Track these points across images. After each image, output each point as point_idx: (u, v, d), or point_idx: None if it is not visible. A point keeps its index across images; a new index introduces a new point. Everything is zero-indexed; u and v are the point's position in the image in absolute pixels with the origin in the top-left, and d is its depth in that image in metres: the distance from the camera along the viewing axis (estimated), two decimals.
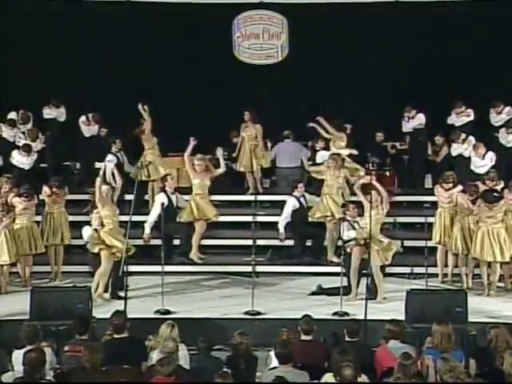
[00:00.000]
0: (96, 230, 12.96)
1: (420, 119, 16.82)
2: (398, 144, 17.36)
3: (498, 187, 13.68)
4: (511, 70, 17.59)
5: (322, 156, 15.87)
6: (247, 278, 13.45)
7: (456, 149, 15.80)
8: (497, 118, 16.59)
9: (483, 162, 15.07)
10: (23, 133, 16.16)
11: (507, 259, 13.04)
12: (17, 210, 13.40)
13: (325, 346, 9.83)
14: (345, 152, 15.49)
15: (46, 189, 13.82)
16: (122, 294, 12.56)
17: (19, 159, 15.28)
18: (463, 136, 15.81)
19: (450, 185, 13.69)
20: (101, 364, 8.25)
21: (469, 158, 15.46)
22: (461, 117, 16.64)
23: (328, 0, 18.50)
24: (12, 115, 16.67)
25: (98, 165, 17.22)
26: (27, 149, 15.38)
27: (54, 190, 13.79)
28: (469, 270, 13.45)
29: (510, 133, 16.11)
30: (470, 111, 16.63)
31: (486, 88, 17.06)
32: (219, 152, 15.14)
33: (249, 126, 16.34)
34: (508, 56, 17.83)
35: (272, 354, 9.00)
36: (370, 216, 12.48)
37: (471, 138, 15.69)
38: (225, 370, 8.54)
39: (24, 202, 13.43)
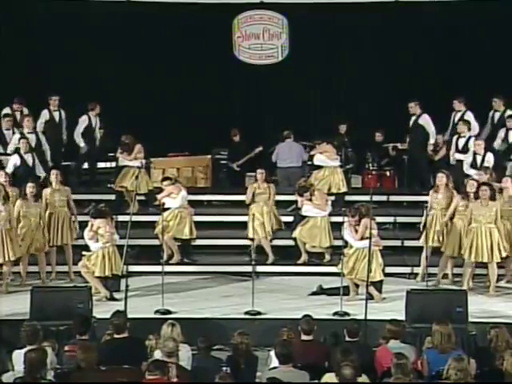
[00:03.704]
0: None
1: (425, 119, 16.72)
2: (399, 144, 17.35)
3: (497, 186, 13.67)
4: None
5: (319, 159, 15.89)
6: (247, 278, 13.47)
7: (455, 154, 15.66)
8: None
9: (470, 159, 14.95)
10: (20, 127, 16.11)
11: (499, 259, 13.02)
12: (21, 212, 13.39)
13: (325, 346, 9.83)
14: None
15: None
16: (117, 296, 12.63)
17: (14, 159, 15.08)
18: (468, 133, 15.62)
19: (444, 180, 13.64)
20: (97, 363, 8.25)
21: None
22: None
23: (328, 0, 18.51)
24: (6, 110, 16.53)
25: (98, 165, 17.32)
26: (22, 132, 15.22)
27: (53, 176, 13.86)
28: (468, 271, 13.44)
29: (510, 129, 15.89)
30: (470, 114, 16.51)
31: (486, 87, 17.02)
32: None
33: (261, 187, 14.71)
34: (509, 55, 17.82)
35: (272, 353, 9.00)
36: (371, 222, 12.51)
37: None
38: (225, 369, 8.55)
39: (27, 202, 13.43)
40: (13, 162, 14.91)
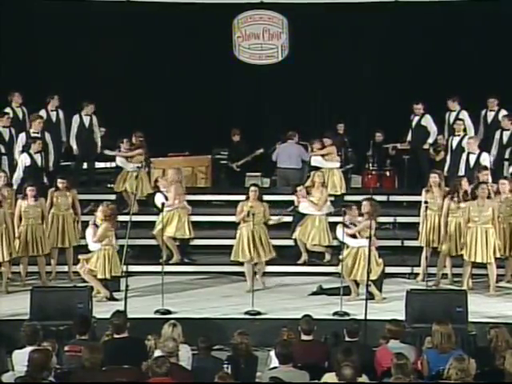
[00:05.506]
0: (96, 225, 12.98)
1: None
2: (398, 145, 17.36)
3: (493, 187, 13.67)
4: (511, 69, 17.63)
5: (316, 161, 15.87)
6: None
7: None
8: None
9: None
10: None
11: (492, 259, 13.02)
12: (22, 213, 13.36)
13: (325, 346, 9.84)
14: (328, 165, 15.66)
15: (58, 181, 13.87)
16: (117, 296, 12.63)
17: (24, 158, 15.03)
18: (463, 133, 15.62)
19: (437, 179, 13.63)
20: (101, 364, 8.25)
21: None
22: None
23: (328, 0, 18.52)
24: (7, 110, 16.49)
25: (97, 165, 17.31)
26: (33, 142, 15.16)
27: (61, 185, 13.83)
28: (468, 270, 13.43)
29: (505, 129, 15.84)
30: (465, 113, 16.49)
31: (486, 87, 17.02)
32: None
33: (254, 205, 13.45)
34: (508, 56, 17.83)
35: (272, 353, 9.00)
36: (371, 221, 12.51)
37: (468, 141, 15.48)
38: (225, 369, 8.55)
39: (27, 202, 13.41)
40: (23, 161, 14.85)
